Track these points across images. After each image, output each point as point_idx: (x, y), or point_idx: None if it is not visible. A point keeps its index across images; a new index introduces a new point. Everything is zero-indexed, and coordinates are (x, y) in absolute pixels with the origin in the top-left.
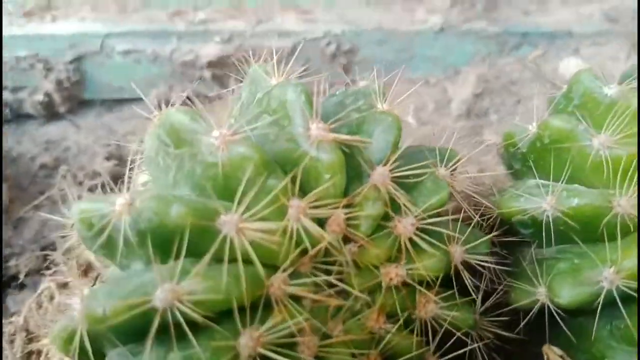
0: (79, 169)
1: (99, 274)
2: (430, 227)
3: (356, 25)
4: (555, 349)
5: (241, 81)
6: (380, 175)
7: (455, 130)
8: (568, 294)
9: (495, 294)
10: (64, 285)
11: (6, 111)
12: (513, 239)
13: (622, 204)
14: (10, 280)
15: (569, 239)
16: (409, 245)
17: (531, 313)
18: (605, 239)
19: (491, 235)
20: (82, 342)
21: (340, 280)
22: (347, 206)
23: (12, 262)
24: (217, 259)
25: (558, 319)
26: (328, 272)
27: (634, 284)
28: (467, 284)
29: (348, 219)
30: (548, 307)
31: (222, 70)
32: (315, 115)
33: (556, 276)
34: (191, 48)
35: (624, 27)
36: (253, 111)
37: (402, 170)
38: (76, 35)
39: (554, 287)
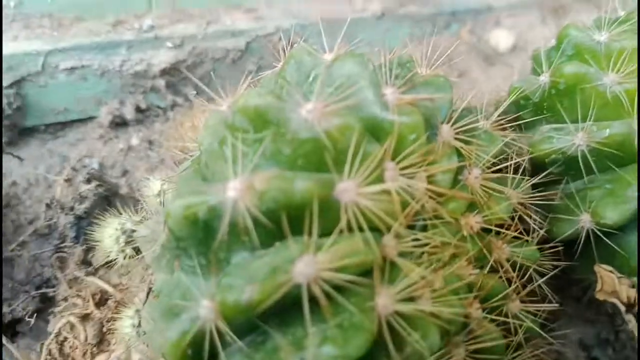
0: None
1: (150, 288)
2: (493, 175)
3: (302, 19)
4: (605, 266)
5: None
6: (447, 132)
7: None
8: (613, 214)
9: (541, 230)
10: (83, 317)
11: None
12: (546, 180)
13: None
14: (10, 327)
15: (596, 169)
16: (480, 194)
17: (579, 239)
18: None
19: (534, 179)
20: (202, 344)
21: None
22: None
23: (5, 309)
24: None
25: (607, 240)
26: (423, 229)
27: None
28: (524, 222)
29: (429, 176)
30: (592, 231)
31: (176, 77)
32: (385, 82)
33: (597, 202)
34: (142, 57)
35: None
36: (314, 87)
37: (461, 127)
38: (12, 57)
39: (599, 211)
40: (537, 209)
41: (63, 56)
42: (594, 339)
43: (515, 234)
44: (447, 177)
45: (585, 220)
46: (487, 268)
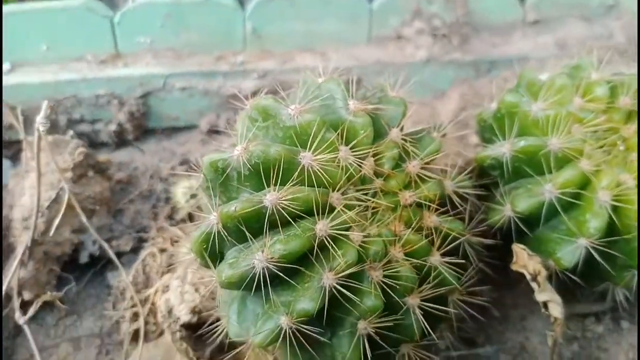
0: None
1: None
2: (429, 166)
3: (360, 61)
4: (520, 245)
5: None
6: (395, 134)
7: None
8: (523, 204)
9: (478, 214)
10: (162, 250)
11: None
12: (488, 181)
13: (553, 142)
14: (114, 257)
15: (523, 174)
16: (416, 179)
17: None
18: (545, 170)
19: (466, 173)
20: (213, 241)
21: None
22: (375, 154)
23: (114, 243)
24: (299, 182)
25: (522, 226)
26: (367, 194)
27: (568, 191)
28: (458, 207)
29: (376, 161)
30: (512, 218)
31: None
32: (351, 96)
33: (516, 196)
34: (234, 84)
35: (570, 51)
36: (310, 97)
37: (409, 131)
38: (144, 76)
39: (514, 202)
40: (478, 201)
41: (179, 79)
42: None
43: (441, 209)
44: (389, 162)
45: (507, 209)
46: (415, 229)
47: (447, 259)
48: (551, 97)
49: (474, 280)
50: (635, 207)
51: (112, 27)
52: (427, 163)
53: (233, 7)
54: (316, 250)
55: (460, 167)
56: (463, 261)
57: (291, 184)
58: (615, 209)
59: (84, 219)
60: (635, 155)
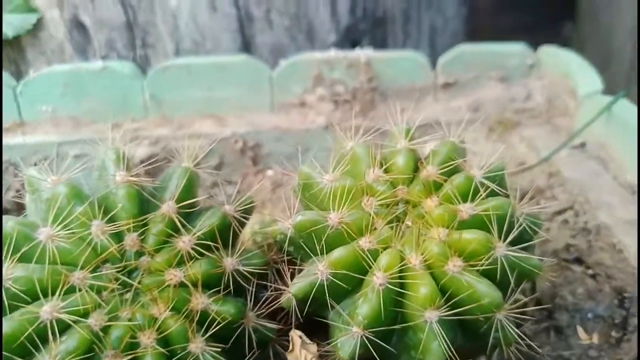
0: None
1: None
2: (206, 242)
3: (258, 127)
4: (298, 332)
5: None
6: (167, 207)
7: None
8: (296, 285)
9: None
10: None
11: None
12: (289, 257)
13: (332, 217)
14: None
15: (312, 251)
16: (187, 256)
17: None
18: (324, 248)
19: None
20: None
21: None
22: (141, 227)
23: None
24: (38, 260)
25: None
26: (128, 275)
27: (336, 273)
28: (244, 288)
29: (141, 235)
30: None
31: (151, 165)
32: (122, 168)
33: (298, 276)
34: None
35: (484, 114)
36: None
37: (185, 203)
38: (39, 144)
39: (293, 283)
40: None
41: (71, 146)
42: None
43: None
44: (153, 238)
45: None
46: (182, 312)
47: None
48: (345, 167)
49: None
50: (422, 292)
51: (15, 96)
52: (211, 239)
53: (131, 75)
54: (41, 337)
55: (257, 242)
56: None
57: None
58: (400, 294)
59: None
60: (434, 232)
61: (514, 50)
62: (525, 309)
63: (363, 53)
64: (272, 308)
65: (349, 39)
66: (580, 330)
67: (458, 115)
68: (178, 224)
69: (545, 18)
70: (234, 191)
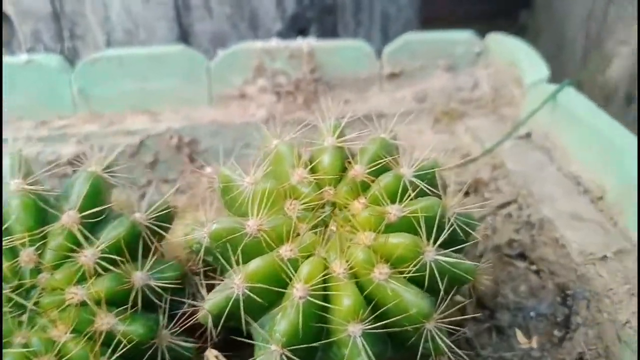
0: None
1: None
2: (110, 256)
3: (195, 121)
4: (214, 351)
5: None
6: (67, 217)
7: None
8: (211, 302)
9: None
10: None
11: None
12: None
13: (250, 224)
14: None
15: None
16: (90, 272)
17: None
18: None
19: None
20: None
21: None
22: (39, 240)
23: None
24: None
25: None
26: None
27: (253, 287)
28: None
29: (38, 250)
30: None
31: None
32: (19, 175)
33: (214, 290)
34: (53, 149)
35: (430, 104)
36: None
37: (90, 212)
38: None
39: (208, 299)
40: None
41: None
42: None
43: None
44: (51, 254)
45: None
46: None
47: None
48: (267, 168)
49: None
50: (345, 304)
51: None
52: (117, 251)
53: (58, 68)
54: None
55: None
56: None
57: None
58: (323, 307)
59: None
60: (360, 236)
61: (461, 38)
62: (463, 315)
63: (306, 42)
64: (189, 324)
65: (296, 28)
66: (519, 334)
67: (403, 106)
68: (80, 236)
69: (502, 6)
70: (171, 190)
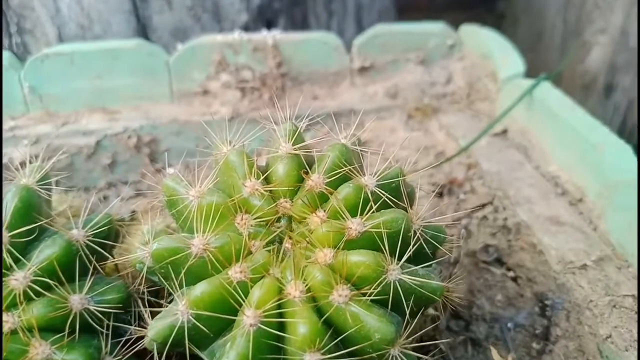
0: None
1: None
2: (43, 279)
3: (154, 120)
4: None
5: None
6: None
7: None
8: (154, 330)
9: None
10: None
11: None
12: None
13: (195, 243)
14: None
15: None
16: (21, 297)
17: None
18: (186, 280)
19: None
20: None
21: None
22: None
23: None
24: None
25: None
26: None
27: (199, 314)
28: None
29: None
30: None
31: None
32: None
33: (157, 316)
34: (4, 152)
35: (402, 100)
36: None
37: (20, 230)
38: None
39: (151, 326)
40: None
41: None
42: None
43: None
44: None
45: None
46: None
47: None
48: (215, 179)
49: None
50: (300, 332)
51: None
52: (50, 273)
53: (6, 65)
54: None
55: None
56: None
57: None
58: (276, 335)
59: None
60: (319, 254)
61: (434, 30)
62: (436, 328)
63: (270, 35)
64: (136, 349)
65: (263, 19)
66: (494, 352)
67: (375, 102)
68: (8, 258)
69: None
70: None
